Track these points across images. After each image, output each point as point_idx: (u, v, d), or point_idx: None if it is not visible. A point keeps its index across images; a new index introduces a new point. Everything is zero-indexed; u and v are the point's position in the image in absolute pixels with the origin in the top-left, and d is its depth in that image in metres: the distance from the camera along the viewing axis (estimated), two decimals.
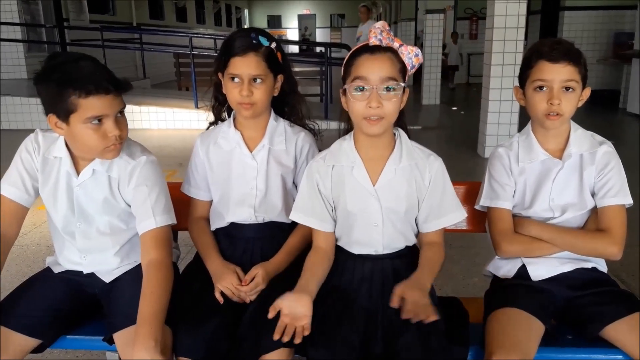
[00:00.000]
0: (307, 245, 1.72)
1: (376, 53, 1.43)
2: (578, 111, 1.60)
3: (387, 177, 1.53)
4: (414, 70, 1.49)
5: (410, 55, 1.47)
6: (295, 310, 1.38)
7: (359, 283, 1.55)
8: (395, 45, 1.46)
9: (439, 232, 1.59)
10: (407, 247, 1.61)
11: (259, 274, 1.59)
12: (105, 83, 1.40)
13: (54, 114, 1.43)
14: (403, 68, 1.46)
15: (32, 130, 1.61)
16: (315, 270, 1.53)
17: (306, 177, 1.60)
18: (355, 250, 1.59)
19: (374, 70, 1.41)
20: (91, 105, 1.40)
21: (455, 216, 1.57)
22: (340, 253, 1.62)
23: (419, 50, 1.48)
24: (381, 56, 1.43)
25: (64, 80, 1.38)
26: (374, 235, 1.56)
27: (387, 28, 1.47)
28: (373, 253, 1.57)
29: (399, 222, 1.56)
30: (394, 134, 1.56)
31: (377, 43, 1.44)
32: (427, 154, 1.58)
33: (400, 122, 1.58)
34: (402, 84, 1.44)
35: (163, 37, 11.04)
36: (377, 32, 1.45)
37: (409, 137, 1.58)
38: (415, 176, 1.54)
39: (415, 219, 1.59)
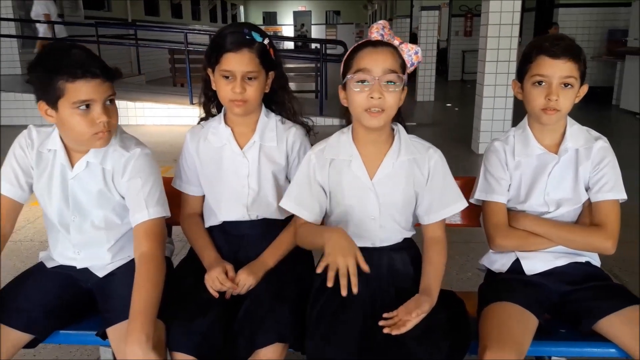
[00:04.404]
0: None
1: (379, 47, 1.45)
2: (571, 108, 1.60)
3: (385, 172, 1.53)
4: (412, 68, 1.50)
5: (410, 53, 1.49)
6: (340, 243, 1.37)
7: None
8: (396, 42, 1.48)
9: (441, 225, 1.60)
10: (404, 239, 1.61)
11: (243, 274, 1.58)
12: (93, 68, 1.40)
13: (44, 101, 1.44)
14: (403, 65, 1.47)
15: (26, 127, 1.60)
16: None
17: (303, 166, 1.61)
18: None
19: (377, 62, 1.42)
20: (78, 89, 1.39)
21: (456, 207, 1.58)
22: None
23: (419, 49, 1.50)
24: (384, 50, 1.45)
25: (53, 66, 1.39)
26: (371, 228, 1.56)
27: (389, 26, 1.50)
28: (370, 246, 1.57)
29: (397, 215, 1.57)
30: (393, 130, 1.57)
31: (379, 38, 1.47)
32: (426, 147, 1.58)
33: (398, 118, 1.58)
34: (403, 77, 1.45)
35: (158, 33, 11.02)
36: (379, 27, 1.48)
37: (407, 132, 1.59)
38: (414, 171, 1.55)
39: (416, 212, 1.60)
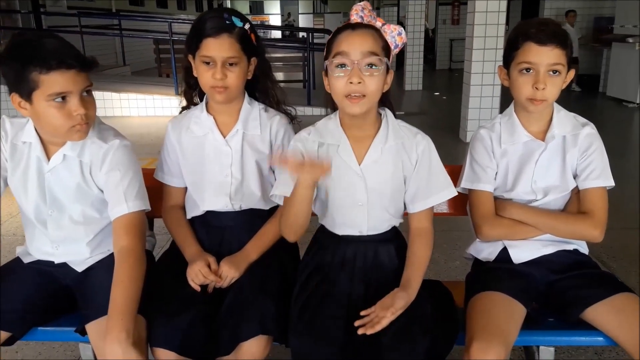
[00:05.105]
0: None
1: (357, 29, 1.40)
2: (559, 94, 1.58)
3: (373, 157, 1.49)
4: (397, 50, 1.46)
5: (394, 34, 1.44)
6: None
7: (340, 266, 1.51)
8: (378, 24, 1.43)
9: (428, 213, 1.55)
10: (392, 228, 1.58)
11: (225, 266, 1.55)
12: (68, 58, 1.35)
13: (17, 93, 1.38)
14: (386, 47, 1.42)
15: None
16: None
17: (290, 152, 1.55)
18: (339, 231, 1.56)
19: (355, 45, 1.37)
20: (53, 81, 1.34)
21: (444, 194, 1.52)
22: (322, 234, 1.60)
23: (402, 29, 1.46)
24: (362, 32, 1.39)
25: (26, 56, 1.33)
26: (358, 215, 1.52)
27: (370, 7, 1.45)
28: (357, 234, 1.54)
29: (385, 202, 1.52)
30: (380, 114, 1.53)
31: (359, 20, 1.41)
32: (414, 132, 1.54)
33: (387, 103, 1.55)
34: (385, 60, 1.40)
35: (143, 23, 10.87)
36: (358, 9, 1.42)
37: (395, 117, 1.55)
38: (402, 156, 1.51)
39: (403, 199, 1.56)
